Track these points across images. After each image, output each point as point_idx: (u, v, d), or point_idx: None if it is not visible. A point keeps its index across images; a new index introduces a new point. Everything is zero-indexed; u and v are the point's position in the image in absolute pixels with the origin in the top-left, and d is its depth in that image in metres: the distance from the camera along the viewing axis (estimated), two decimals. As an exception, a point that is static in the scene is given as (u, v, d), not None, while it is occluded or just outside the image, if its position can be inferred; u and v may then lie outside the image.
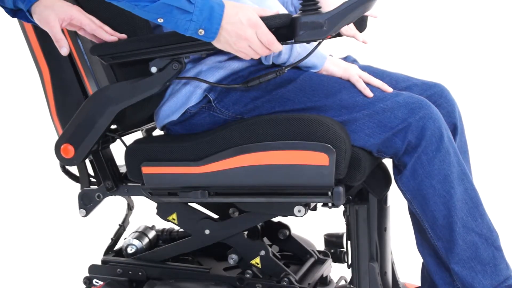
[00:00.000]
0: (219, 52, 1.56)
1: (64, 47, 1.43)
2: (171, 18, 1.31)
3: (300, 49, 1.52)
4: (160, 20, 1.32)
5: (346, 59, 1.72)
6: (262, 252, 1.64)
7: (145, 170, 1.53)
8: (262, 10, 1.37)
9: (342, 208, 1.67)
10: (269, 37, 1.35)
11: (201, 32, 1.32)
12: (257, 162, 1.45)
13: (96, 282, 1.75)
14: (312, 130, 1.42)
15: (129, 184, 1.64)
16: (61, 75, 1.59)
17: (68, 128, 1.55)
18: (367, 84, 1.51)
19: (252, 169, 1.45)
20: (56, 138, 1.59)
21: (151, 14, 1.31)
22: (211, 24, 1.32)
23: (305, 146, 1.42)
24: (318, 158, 1.41)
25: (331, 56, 1.58)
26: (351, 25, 1.77)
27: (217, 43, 1.36)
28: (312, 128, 1.43)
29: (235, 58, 1.56)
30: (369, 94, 1.49)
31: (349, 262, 1.71)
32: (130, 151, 1.56)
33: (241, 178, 1.47)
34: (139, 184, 1.57)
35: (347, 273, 1.76)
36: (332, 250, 1.89)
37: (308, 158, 1.42)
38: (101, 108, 1.50)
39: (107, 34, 1.47)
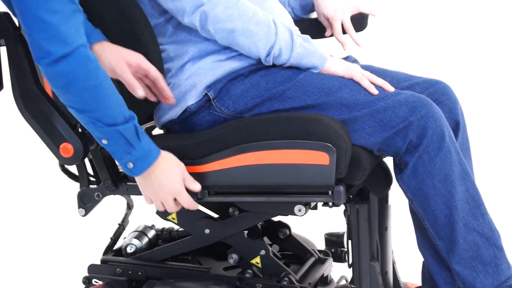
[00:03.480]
0: (219, 50, 1.57)
1: (139, 90, 1.47)
2: (115, 144, 1.41)
3: (300, 50, 1.52)
4: (104, 142, 1.41)
5: (347, 59, 1.72)
6: (262, 252, 1.64)
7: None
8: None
9: (342, 207, 1.67)
10: (189, 202, 1.49)
11: (130, 165, 1.44)
12: (257, 161, 1.45)
13: (95, 281, 1.75)
14: (312, 129, 1.43)
15: (129, 183, 1.64)
16: None
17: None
18: (369, 84, 1.51)
19: (252, 168, 1.46)
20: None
21: (100, 134, 1.40)
22: (142, 164, 1.44)
23: (306, 145, 1.42)
24: (319, 158, 1.42)
25: (331, 57, 1.58)
26: (349, 25, 1.77)
27: (138, 180, 1.48)
28: (313, 127, 1.43)
29: (235, 57, 1.56)
30: (374, 91, 1.49)
31: (350, 261, 1.71)
32: None
33: (241, 178, 1.47)
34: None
35: (348, 273, 1.77)
36: (333, 250, 1.88)
37: (308, 157, 1.42)
38: None
39: (165, 84, 1.52)
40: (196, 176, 1.49)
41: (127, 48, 1.50)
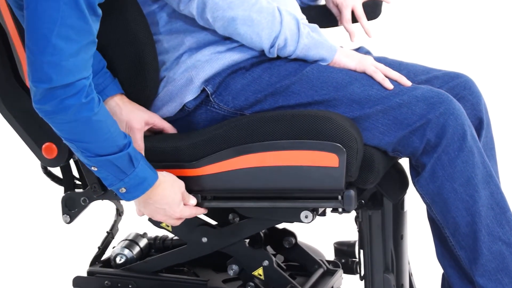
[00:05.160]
0: (218, 41, 1.57)
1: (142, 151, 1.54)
2: (105, 171, 1.42)
3: (307, 40, 1.53)
4: (94, 169, 1.42)
5: (359, 50, 1.73)
6: (266, 262, 1.64)
7: None
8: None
9: (354, 213, 1.67)
10: (191, 213, 1.53)
11: (123, 190, 1.45)
12: (259, 163, 1.45)
13: (81, 295, 1.75)
14: (320, 128, 1.43)
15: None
16: None
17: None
18: (383, 78, 1.52)
19: (254, 171, 1.46)
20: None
21: (90, 162, 1.41)
22: (135, 191, 1.45)
23: (313, 146, 1.42)
24: (327, 159, 1.42)
25: (342, 48, 1.59)
26: (361, 13, 1.77)
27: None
28: (320, 125, 1.43)
29: (236, 48, 1.56)
30: (389, 86, 1.49)
31: (362, 273, 1.71)
32: None
33: (242, 181, 1.47)
34: None
35: (360, 286, 1.77)
36: (343, 260, 1.89)
37: (316, 158, 1.42)
38: None
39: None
40: (193, 180, 1.50)
41: (117, 38, 1.51)
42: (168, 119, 1.60)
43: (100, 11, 1.34)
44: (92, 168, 1.42)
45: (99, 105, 1.37)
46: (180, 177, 1.51)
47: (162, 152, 1.52)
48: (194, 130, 1.57)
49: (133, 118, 1.52)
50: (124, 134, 1.42)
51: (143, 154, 1.51)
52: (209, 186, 1.50)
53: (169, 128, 1.58)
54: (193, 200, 1.52)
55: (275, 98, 1.53)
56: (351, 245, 1.90)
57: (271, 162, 1.45)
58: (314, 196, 1.47)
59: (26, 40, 1.30)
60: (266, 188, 1.47)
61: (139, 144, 1.53)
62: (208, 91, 1.55)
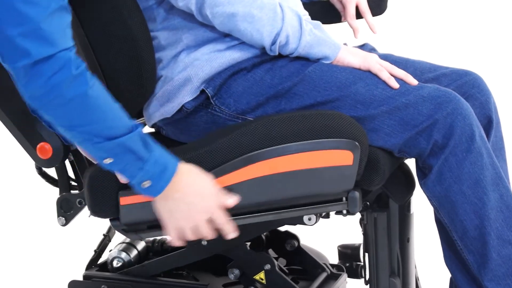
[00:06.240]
0: (218, 39, 1.56)
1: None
2: (120, 160, 1.32)
3: (309, 38, 1.52)
4: (108, 161, 1.32)
5: (364, 47, 1.72)
6: (267, 266, 1.64)
7: (124, 200, 1.43)
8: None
9: (358, 215, 1.67)
10: (226, 221, 1.39)
11: (146, 184, 1.34)
12: (272, 170, 1.41)
13: (77, 300, 1.75)
14: (332, 126, 1.42)
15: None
16: None
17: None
18: (389, 76, 1.51)
19: (266, 180, 1.42)
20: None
21: (101, 152, 1.32)
22: (160, 180, 1.34)
23: (329, 145, 1.41)
24: (342, 157, 1.41)
25: (345, 45, 1.58)
26: (365, 8, 1.77)
27: (160, 207, 1.38)
28: (332, 123, 1.42)
29: (236, 46, 1.56)
30: (395, 84, 1.49)
31: (367, 277, 1.71)
32: (98, 178, 1.43)
33: (252, 194, 1.42)
34: (109, 219, 1.48)
35: (365, 290, 1.77)
36: (347, 264, 1.89)
37: (332, 158, 1.41)
38: None
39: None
40: None
41: (112, 34, 1.50)
42: (166, 120, 1.60)
43: None
44: (107, 161, 1.33)
45: (93, 78, 1.29)
46: None
47: None
48: (193, 141, 1.54)
49: None
50: (128, 115, 1.34)
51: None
52: None
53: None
54: (231, 199, 1.38)
55: (278, 101, 1.52)
56: (355, 248, 1.90)
57: (284, 168, 1.41)
58: (320, 200, 1.46)
59: None
60: (278, 199, 1.44)
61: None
62: (209, 94, 1.54)
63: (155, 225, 1.44)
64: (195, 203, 1.37)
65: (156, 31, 1.58)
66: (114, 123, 1.31)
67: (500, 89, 2.31)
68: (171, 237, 1.42)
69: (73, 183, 1.70)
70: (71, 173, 1.70)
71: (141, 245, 1.86)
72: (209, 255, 1.68)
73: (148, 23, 1.56)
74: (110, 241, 1.87)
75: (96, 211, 1.48)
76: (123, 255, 1.80)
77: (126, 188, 1.42)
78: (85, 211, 1.69)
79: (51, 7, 1.23)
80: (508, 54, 3.95)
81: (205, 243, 1.65)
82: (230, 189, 1.41)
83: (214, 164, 1.43)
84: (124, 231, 1.47)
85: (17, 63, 1.24)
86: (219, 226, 1.41)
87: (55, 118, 1.31)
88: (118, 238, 1.89)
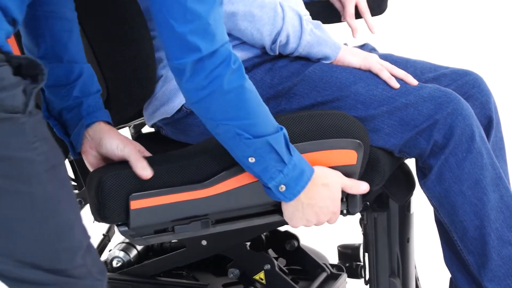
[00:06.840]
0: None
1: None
2: (263, 161, 1.32)
3: (310, 37, 1.52)
4: (251, 160, 1.32)
5: (364, 47, 1.72)
6: (267, 266, 1.64)
7: (135, 204, 1.38)
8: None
9: (358, 215, 1.67)
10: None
11: (282, 188, 1.34)
12: None
13: (76, 300, 1.75)
14: (339, 126, 1.42)
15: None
16: None
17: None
18: (389, 76, 1.52)
19: None
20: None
21: (248, 150, 1.32)
22: (295, 186, 1.35)
23: (335, 144, 1.41)
24: (347, 157, 1.41)
25: (346, 45, 1.58)
26: (365, 8, 1.76)
27: (285, 207, 1.40)
28: (340, 123, 1.42)
29: (237, 46, 1.56)
30: (395, 84, 1.49)
31: (367, 277, 1.71)
32: (107, 183, 1.37)
33: (257, 195, 1.40)
34: (117, 225, 1.43)
35: (365, 291, 1.77)
36: (347, 264, 1.89)
37: (337, 157, 1.41)
38: None
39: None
40: (200, 202, 1.40)
41: (112, 32, 1.50)
42: (166, 120, 1.60)
43: None
44: (249, 160, 1.32)
45: (246, 76, 1.31)
46: (187, 201, 1.40)
47: (168, 174, 1.40)
48: (196, 143, 1.52)
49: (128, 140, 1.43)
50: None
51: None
52: (219, 207, 1.41)
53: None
54: (363, 186, 1.42)
55: (278, 101, 1.52)
56: (355, 248, 1.90)
57: None
58: None
59: (157, 19, 1.26)
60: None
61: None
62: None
63: (162, 229, 1.43)
64: (326, 207, 1.41)
65: (156, 30, 1.58)
66: (264, 120, 1.33)
67: (500, 89, 2.31)
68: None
69: (73, 183, 1.70)
70: (71, 173, 1.70)
71: (141, 245, 1.86)
72: (209, 255, 1.68)
73: (148, 23, 1.56)
74: (109, 241, 1.87)
75: (105, 217, 1.41)
76: (123, 255, 1.80)
77: (136, 192, 1.38)
78: (85, 211, 1.69)
79: (216, 3, 1.27)
80: (508, 54, 3.95)
81: (205, 243, 1.65)
82: (236, 191, 1.40)
83: (219, 169, 1.40)
84: (131, 237, 1.44)
85: (184, 59, 1.26)
86: (331, 223, 1.45)
87: (212, 111, 1.31)
88: (118, 238, 1.89)
